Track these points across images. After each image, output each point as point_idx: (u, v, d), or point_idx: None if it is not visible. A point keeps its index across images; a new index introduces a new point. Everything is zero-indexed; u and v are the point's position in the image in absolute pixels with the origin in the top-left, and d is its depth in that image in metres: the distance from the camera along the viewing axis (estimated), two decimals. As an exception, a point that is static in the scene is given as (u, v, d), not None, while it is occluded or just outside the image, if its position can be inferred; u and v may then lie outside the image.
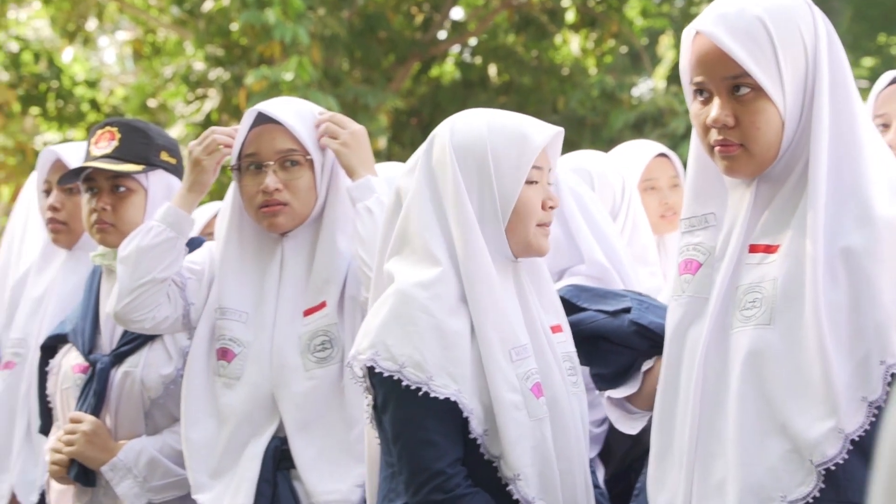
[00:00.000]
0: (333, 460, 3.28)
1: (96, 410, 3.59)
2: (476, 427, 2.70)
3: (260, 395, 3.35)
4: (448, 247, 2.78)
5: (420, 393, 2.66)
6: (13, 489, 3.99)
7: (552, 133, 2.85)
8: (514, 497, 2.72)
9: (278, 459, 3.32)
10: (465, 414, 2.68)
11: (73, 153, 4.03)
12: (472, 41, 16.11)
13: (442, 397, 2.66)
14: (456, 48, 16.34)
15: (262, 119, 3.39)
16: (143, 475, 3.54)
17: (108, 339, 3.70)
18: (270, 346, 3.36)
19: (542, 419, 2.74)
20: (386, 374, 2.68)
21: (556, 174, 3.05)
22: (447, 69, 16.59)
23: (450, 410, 2.68)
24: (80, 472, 3.59)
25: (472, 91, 15.64)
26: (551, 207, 2.84)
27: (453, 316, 2.73)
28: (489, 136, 2.80)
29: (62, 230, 4.06)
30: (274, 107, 3.41)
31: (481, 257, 2.76)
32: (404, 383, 2.66)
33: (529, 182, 2.81)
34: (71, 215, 4.04)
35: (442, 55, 16.21)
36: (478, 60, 16.16)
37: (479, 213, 2.78)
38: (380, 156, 14.23)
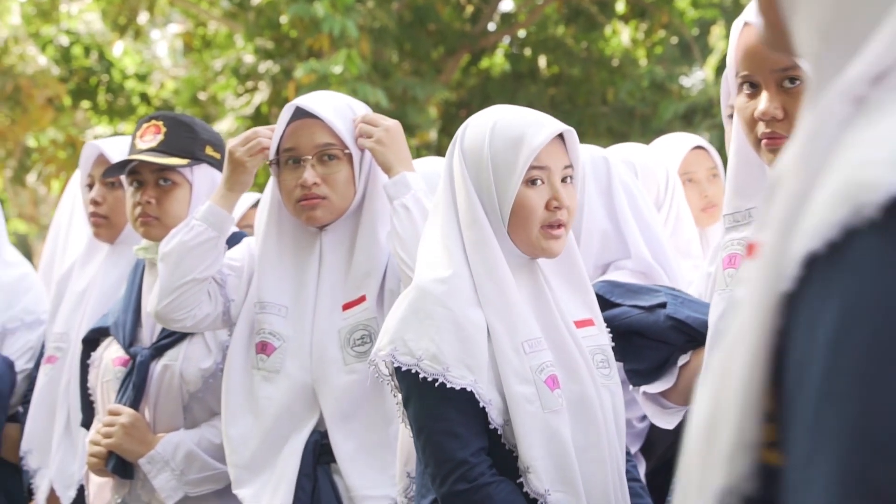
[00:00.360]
0: (373, 455, 3.28)
1: (135, 403, 3.60)
2: (496, 418, 2.72)
3: (299, 388, 3.35)
4: (462, 245, 2.82)
5: (437, 384, 2.69)
6: (52, 483, 4.01)
7: (551, 132, 2.83)
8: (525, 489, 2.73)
9: (318, 454, 3.32)
10: (481, 404, 2.70)
11: (116, 147, 4.04)
12: (522, 33, 16.09)
13: (458, 388, 2.68)
14: (506, 40, 16.33)
15: (300, 114, 3.39)
16: (180, 468, 3.55)
17: (149, 333, 3.71)
18: (310, 339, 3.36)
19: (556, 411, 2.74)
20: (405, 369, 2.71)
21: (581, 170, 3.06)
22: (497, 61, 16.58)
23: (469, 401, 2.70)
24: (118, 465, 3.60)
25: (521, 83, 15.63)
26: (556, 208, 2.82)
27: (470, 309, 2.75)
28: (490, 138, 2.83)
29: (104, 224, 4.07)
30: (311, 101, 3.41)
31: (489, 255, 2.79)
32: (421, 376, 2.70)
33: (530, 183, 2.81)
34: (112, 209, 4.05)
35: (491, 47, 16.20)
36: (527, 52, 16.14)
37: (487, 213, 2.82)
38: (430, 148, 14.26)
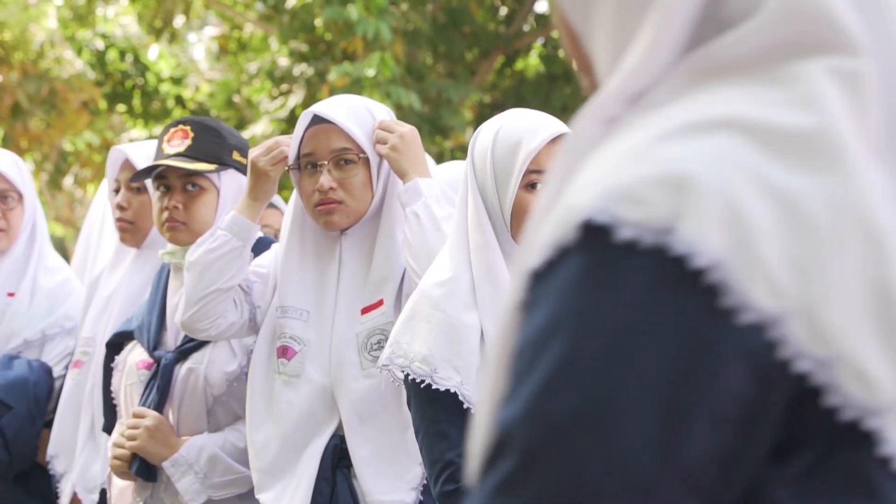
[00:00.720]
0: (389, 460, 3.28)
1: (159, 406, 3.61)
2: None
3: (319, 392, 3.36)
4: (468, 248, 2.89)
5: (423, 385, 2.76)
6: (74, 487, 4.02)
7: (547, 136, 2.88)
8: None
9: (337, 458, 3.33)
10: (465, 405, 2.75)
11: (141, 152, 4.05)
12: (557, 34, 16.03)
13: (443, 389, 2.74)
14: (540, 41, 16.31)
15: (317, 119, 3.41)
16: (203, 472, 3.55)
17: (174, 336, 3.72)
18: (330, 343, 3.37)
19: None
20: (398, 371, 2.80)
21: None
22: (531, 62, 16.57)
23: (457, 402, 2.76)
24: (142, 467, 3.60)
25: (555, 84, 15.61)
26: None
27: (466, 311, 2.81)
28: (492, 144, 2.90)
29: (129, 229, 4.08)
30: (327, 107, 3.43)
31: (489, 258, 2.85)
32: (411, 377, 2.77)
33: (530, 187, 2.88)
34: (137, 214, 4.06)
35: (526, 48, 16.19)
36: (562, 53, 16.11)
37: (491, 218, 2.88)
38: (464, 150, 14.23)
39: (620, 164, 1.02)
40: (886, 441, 1.00)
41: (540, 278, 1.02)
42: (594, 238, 0.99)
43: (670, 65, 1.10)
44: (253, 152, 3.44)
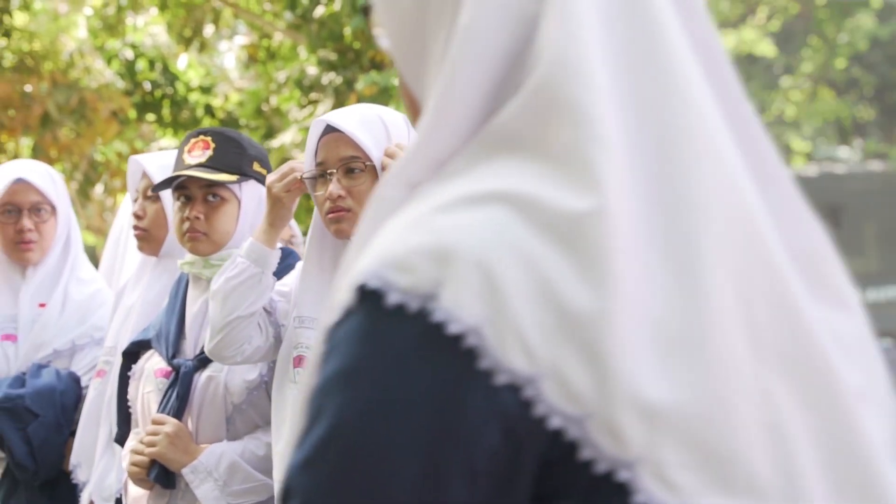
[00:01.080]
0: None
1: (179, 414, 3.63)
2: None
3: None
4: None
5: None
6: (91, 496, 4.04)
7: None
8: None
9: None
10: None
11: (157, 163, 4.07)
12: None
13: None
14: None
15: (330, 128, 3.44)
16: (223, 479, 3.56)
17: (192, 344, 3.74)
18: None
19: None
20: None
21: None
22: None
23: None
24: (161, 474, 3.62)
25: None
26: None
27: None
28: None
29: (144, 237, 4.09)
30: (338, 116, 3.45)
31: None
32: None
33: None
34: (152, 222, 4.08)
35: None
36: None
37: None
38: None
39: (400, 231, 1.09)
40: (640, 491, 1.06)
41: (332, 334, 1.10)
42: (368, 301, 1.07)
43: (471, 130, 1.16)
44: (269, 178, 3.46)
